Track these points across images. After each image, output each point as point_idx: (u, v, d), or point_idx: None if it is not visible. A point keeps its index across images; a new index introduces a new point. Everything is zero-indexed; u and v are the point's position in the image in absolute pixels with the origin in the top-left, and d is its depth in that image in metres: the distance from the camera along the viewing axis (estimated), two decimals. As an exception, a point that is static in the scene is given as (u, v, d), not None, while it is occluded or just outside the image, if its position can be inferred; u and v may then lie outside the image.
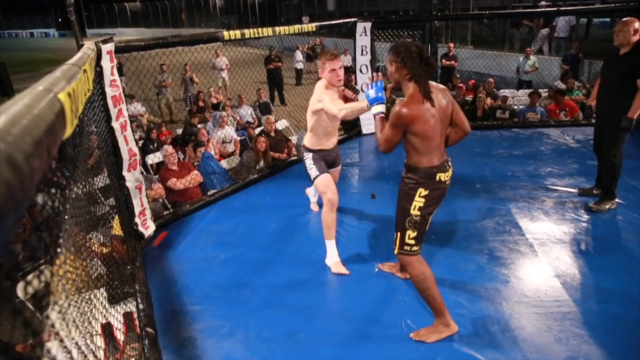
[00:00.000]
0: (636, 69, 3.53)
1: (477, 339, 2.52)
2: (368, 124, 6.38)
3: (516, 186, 4.51)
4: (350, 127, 6.69)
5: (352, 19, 6.11)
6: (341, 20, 6.40)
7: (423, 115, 2.20)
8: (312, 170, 3.34)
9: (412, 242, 2.40)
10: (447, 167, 2.36)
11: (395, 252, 2.46)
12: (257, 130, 6.59)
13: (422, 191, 2.30)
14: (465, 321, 2.66)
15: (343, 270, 3.20)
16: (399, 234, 2.43)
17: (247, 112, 7.81)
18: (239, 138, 6.53)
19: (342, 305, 2.89)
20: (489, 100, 7.40)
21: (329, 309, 2.86)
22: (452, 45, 10.83)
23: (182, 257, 3.56)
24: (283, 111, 9.49)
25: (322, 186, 3.26)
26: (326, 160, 3.45)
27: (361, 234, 3.72)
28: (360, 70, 6.18)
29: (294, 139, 6.34)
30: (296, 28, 5.34)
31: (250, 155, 5.25)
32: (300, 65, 13.07)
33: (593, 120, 5.03)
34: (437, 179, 2.30)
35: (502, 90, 8.00)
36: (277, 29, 4.98)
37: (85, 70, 1.65)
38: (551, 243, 3.47)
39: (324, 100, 3.02)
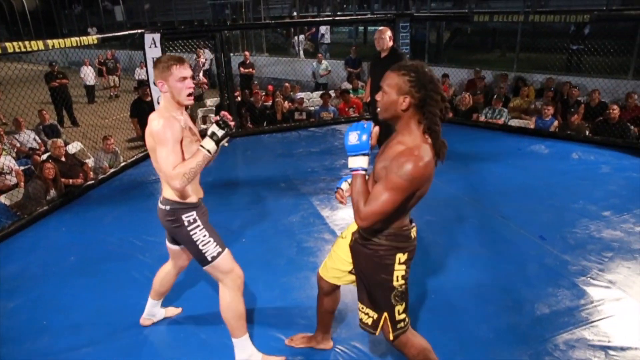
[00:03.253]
0: None
1: (292, 330, 2.68)
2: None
3: (316, 180, 4.94)
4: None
5: (139, 30, 5.86)
6: (125, 32, 6.08)
7: (432, 174, 1.69)
8: (210, 246, 2.17)
9: (403, 316, 1.92)
10: (412, 220, 1.91)
11: (390, 338, 1.93)
12: (45, 157, 5.85)
13: (401, 257, 1.84)
14: (280, 314, 2.83)
15: None
16: (385, 315, 1.90)
17: (29, 138, 6.86)
18: (21, 168, 5.70)
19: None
20: (286, 104, 7.89)
21: (149, 338, 2.72)
22: (247, 53, 11.25)
23: (-45, 318, 2.98)
24: (76, 133, 8.56)
25: (228, 265, 2.22)
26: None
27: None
28: (155, 84, 5.97)
29: (90, 161, 5.80)
30: (74, 41, 4.89)
31: (36, 186, 4.63)
32: (90, 82, 11.93)
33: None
34: (412, 237, 1.87)
35: (298, 93, 8.61)
36: (49, 42, 4.50)
37: None
38: (349, 226, 3.90)
39: (165, 145, 1.99)
